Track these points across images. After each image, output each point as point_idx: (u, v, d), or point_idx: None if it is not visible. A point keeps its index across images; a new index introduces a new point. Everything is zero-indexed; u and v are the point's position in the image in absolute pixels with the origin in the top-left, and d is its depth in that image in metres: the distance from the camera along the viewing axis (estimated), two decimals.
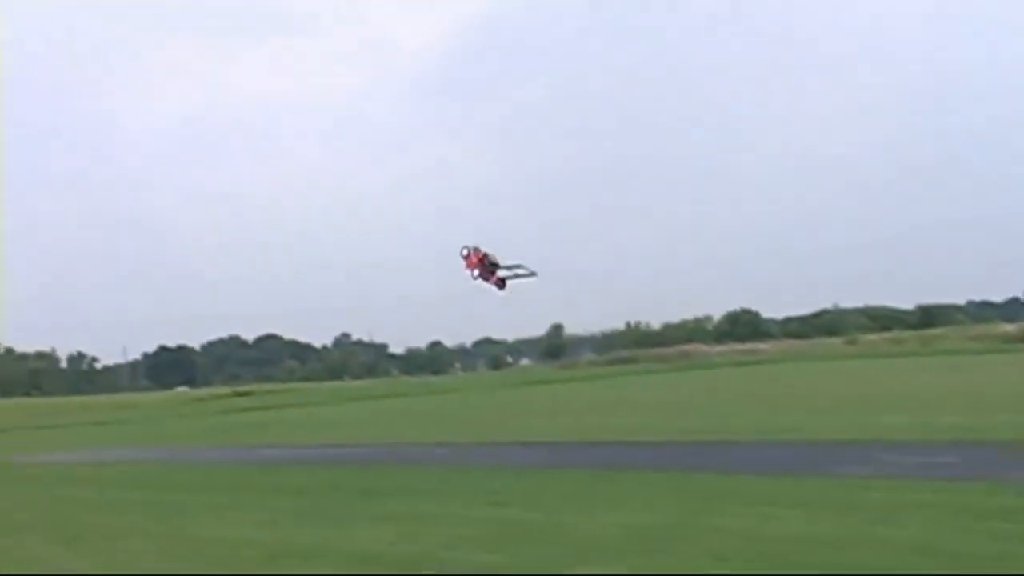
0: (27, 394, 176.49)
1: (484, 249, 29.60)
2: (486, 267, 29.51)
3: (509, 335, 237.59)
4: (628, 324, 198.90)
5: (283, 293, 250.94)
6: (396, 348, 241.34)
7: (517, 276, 29.41)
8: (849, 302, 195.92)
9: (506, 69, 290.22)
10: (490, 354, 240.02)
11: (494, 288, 29.53)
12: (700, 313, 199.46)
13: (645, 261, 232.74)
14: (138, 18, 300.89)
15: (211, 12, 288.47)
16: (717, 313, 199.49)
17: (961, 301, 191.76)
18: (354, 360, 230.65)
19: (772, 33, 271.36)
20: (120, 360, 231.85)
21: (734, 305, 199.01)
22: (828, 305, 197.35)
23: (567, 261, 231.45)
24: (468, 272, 29.42)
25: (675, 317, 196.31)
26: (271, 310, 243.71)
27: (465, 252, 29.91)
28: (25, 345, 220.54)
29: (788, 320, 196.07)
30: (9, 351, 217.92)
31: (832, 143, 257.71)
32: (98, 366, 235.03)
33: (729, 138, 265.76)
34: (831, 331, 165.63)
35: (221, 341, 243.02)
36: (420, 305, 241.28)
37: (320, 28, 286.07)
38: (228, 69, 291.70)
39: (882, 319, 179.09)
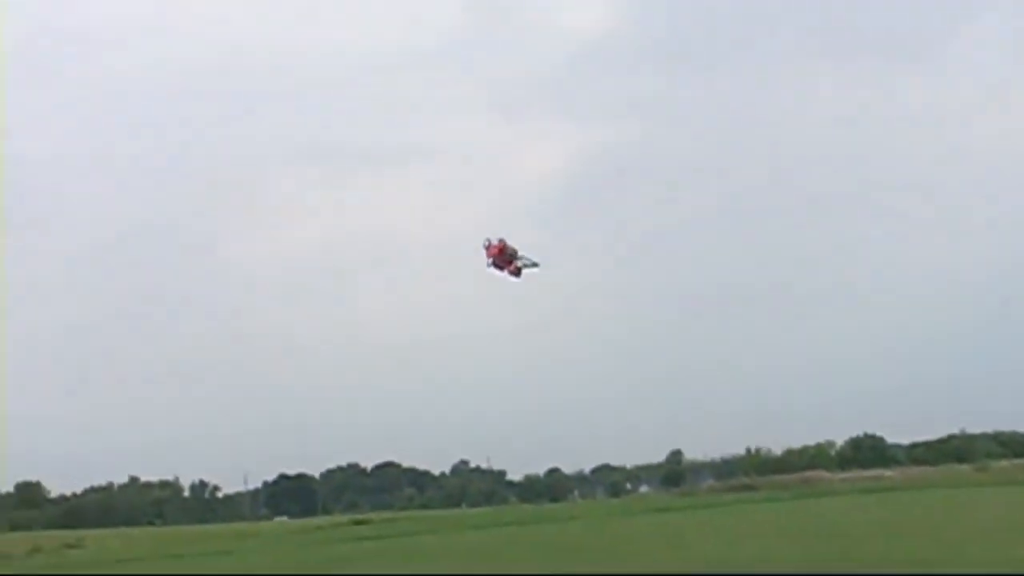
0: (151, 523, 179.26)
1: (506, 242, 32.92)
2: (504, 256, 32.95)
3: (628, 461, 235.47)
4: (748, 450, 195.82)
5: (401, 417, 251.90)
6: (514, 475, 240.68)
7: (525, 265, 32.47)
8: (978, 427, 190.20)
9: (625, 198, 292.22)
10: (609, 481, 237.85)
11: (509, 276, 33.03)
12: (822, 438, 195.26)
13: (765, 384, 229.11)
14: (250, 150, 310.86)
15: (324, 144, 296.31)
16: (840, 438, 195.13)
17: None
18: (472, 487, 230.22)
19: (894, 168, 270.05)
20: (241, 488, 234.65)
21: (857, 430, 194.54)
22: (956, 430, 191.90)
23: (686, 384, 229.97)
24: (487, 260, 32.82)
25: (796, 442, 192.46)
26: (390, 434, 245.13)
27: (487, 243, 33.22)
28: (149, 474, 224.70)
29: (914, 446, 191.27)
30: (133, 480, 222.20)
31: (960, 266, 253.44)
32: (220, 495, 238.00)
33: (854, 260, 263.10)
34: (960, 457, 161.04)
35: (340, 469, 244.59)
36: (538, 430, 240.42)
37: (436, 158, 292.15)
38: (347, 199, 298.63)
39: (1013, 444, 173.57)
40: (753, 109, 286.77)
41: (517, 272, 33.77)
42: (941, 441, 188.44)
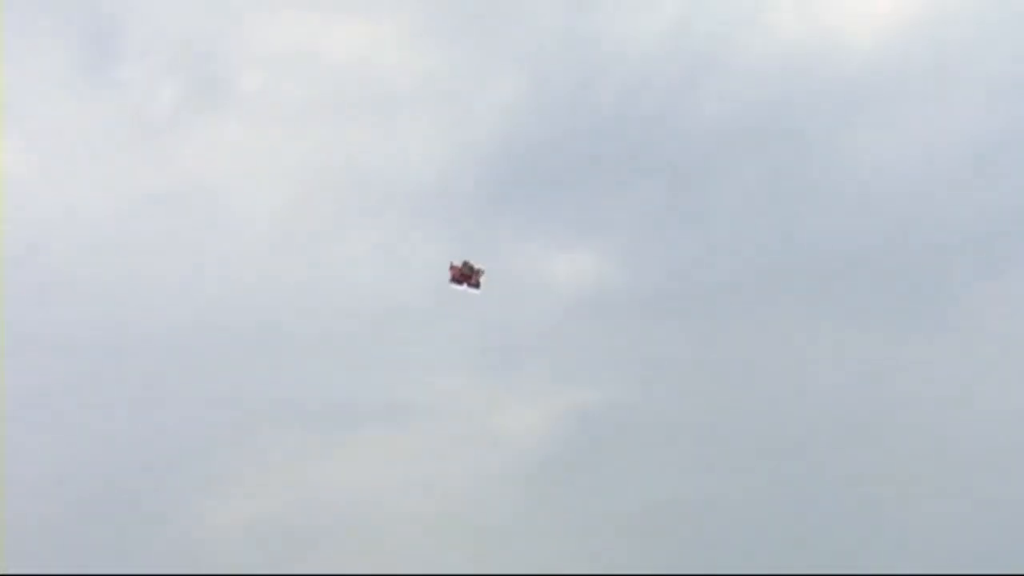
0: None
1: (469, 262, 42.58)
2: (464, 273, 42.54)
3: None
4: None
5: None
6: None
7: (480, 275, 43.01)
8: None
9: (622, 459, 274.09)
10: None
11: (468, 288, 42.72)
12: None
13: None
14: (213, 412, 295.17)
15: (297, 405, 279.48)
16: None
17: None
18: None
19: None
20: None
21: None
22: None
23: None
24: (449, 277, 42.75)
25: None
26: None
27: (450, 264, 42.53)
28: None
29: None
30: None
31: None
32: None
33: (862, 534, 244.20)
34: None
35: None
36: None
37: (418, 417, 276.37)
38: (321, 461, 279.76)
39: None
40: (752, 367, 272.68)
41: (476, 285, 42.02)
42: None
